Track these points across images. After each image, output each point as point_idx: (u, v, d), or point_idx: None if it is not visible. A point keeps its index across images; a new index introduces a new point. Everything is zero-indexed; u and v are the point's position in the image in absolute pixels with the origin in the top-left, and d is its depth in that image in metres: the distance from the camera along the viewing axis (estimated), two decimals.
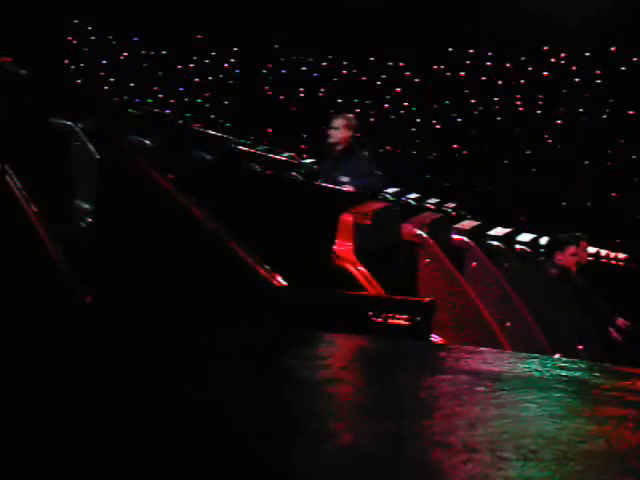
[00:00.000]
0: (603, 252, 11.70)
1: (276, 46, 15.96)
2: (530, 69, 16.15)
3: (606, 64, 15.86)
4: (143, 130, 5.54)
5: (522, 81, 16.19)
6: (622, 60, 15.82)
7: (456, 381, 2.21)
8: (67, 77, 14.40)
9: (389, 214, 5.38)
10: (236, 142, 8.95)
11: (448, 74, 16.20)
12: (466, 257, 5.94)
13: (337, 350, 2.82)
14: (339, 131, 7.75)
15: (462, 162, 16.23)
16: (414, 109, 16.36)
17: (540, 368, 2.61)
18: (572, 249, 7.51)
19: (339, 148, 7.74)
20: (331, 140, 7.77)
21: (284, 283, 4.05)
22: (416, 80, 16.25)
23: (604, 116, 16.08)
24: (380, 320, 3.65)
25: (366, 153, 7.80)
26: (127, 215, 4.48)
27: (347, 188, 7.19)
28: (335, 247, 4.84)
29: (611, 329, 7.67)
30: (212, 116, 15.29)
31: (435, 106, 16.31)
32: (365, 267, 4.75)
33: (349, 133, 7.75)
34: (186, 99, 15.90)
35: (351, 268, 4.74)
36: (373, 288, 4.63)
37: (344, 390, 2.04)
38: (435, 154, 16.40)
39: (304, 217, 5.14)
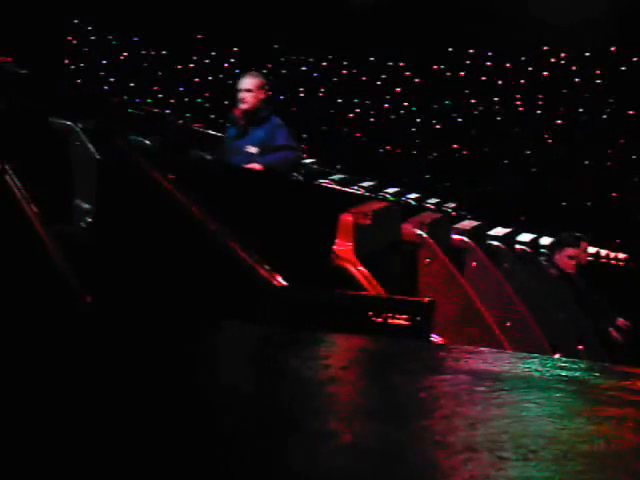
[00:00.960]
0: (603, 252, 11.69)
1: (276, 46, 15.96)
2: (530, 69, 16.15)
3: (606, 64, 15.86)
4: (143, 130, 5.55)
5: (522, 81, 16.18)
6: (622, 60, 15.82)
7: (456, 381, 2.21)
8: (67, 77, 14.41)
9: (389, 214, 5.38)
10: None
11: (448, 74, 16.19)
12: (466, 257, 5.94)
13: (337, 350, 2.82)
14: (252, 94, 6.36)
15: (462, 162, 16.22)
16: (414, 109, 16.36)
17: (540, 368, 2.61)
18: (570, 251, 7.47)
19: (248, 113, 6.36)
20: (244, 106, 6.36)
21: (284, 283, 4.05)
22: (416, 80, 16.25)
23: (604, 116, 16.08)
24: (380, 320, 3.65)
25: (280, 121, 6.46)
26: (127, 215, 4.48)
27: (257, 167, 6.13)
28: (335, 247, 4.84)
29: (611, 329, 7.67)
30: (212, 116, 15.29)
31: (435, 106, 16.31)
32: (365, 267, 4.75)
33: (263, 96, 6.40)
34: (186, 99, 15.90)
35: (351, 268, 4.74)
36: (373, 288, 4.63)
37: (344, 390, 2.04)
38: (435, 154, 16.39)
39: (304, 217, 5.14)
